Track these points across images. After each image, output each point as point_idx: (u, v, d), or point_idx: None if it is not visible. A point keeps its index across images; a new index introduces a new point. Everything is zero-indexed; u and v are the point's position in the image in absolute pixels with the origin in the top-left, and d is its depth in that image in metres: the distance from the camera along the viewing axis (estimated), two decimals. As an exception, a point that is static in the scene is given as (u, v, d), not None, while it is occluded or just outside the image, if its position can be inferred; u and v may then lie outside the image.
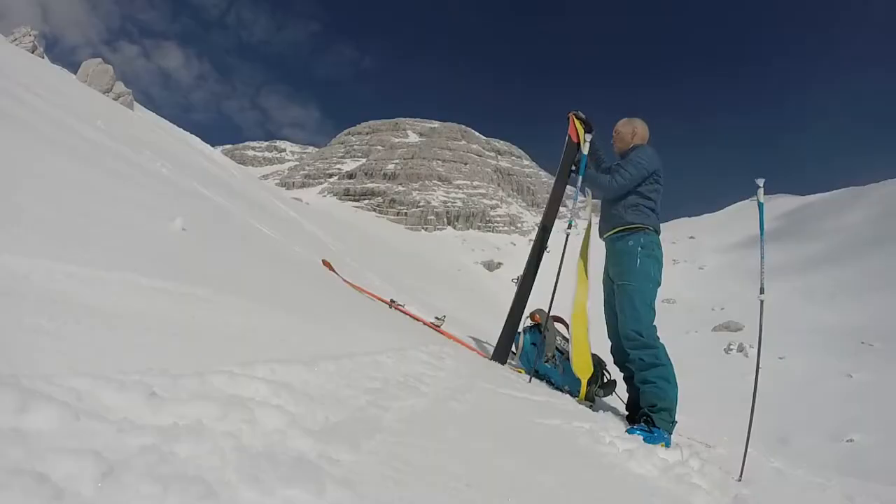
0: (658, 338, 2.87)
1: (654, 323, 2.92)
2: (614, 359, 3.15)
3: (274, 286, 2.57)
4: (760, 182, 2.64)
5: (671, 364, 2.82)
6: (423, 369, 2.03)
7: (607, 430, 2.19)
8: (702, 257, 44.68)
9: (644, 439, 2.35)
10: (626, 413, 3.05)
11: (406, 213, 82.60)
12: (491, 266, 52.49)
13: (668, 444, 2.51)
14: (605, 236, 3.21)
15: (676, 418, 2.78)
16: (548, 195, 3.63)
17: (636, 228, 3.01)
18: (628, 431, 2.49)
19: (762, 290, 2.68)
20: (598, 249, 3.31)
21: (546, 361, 3.36)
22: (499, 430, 1.63)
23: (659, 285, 3.00)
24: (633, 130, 3.28)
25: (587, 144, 3.38)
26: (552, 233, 3.60)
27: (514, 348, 3.72)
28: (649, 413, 2.68)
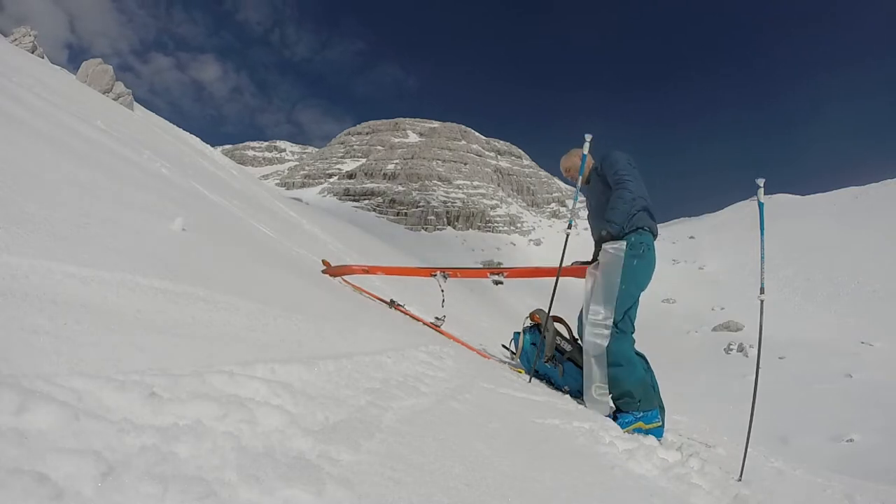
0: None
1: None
2: None
3: (274, 286, 2.57)
4: (760, 182, 2.64)
5: (617, 348, 2.86)
6: (423, 369, 2.03)
7: (607, 430, 2.20)
8: (702, 257, 44.71)
9: (621, 427, 2.53)
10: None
11: (406, 213, 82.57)
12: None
13: (647, 421, 2.70)
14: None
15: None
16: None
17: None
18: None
19: (762, 290, 2.68)
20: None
21: (546, 361, 3.36)
22: (499, 429, 1.63)
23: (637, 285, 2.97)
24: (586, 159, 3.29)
25: None
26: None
27: (514, 348, 3.72)
28: (615, 403, 2.88)
